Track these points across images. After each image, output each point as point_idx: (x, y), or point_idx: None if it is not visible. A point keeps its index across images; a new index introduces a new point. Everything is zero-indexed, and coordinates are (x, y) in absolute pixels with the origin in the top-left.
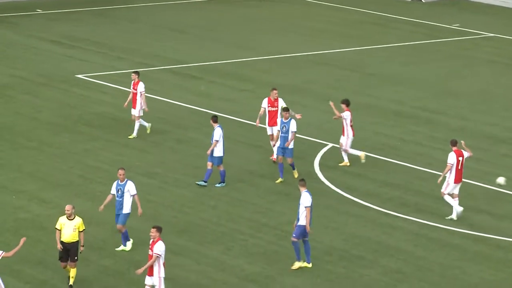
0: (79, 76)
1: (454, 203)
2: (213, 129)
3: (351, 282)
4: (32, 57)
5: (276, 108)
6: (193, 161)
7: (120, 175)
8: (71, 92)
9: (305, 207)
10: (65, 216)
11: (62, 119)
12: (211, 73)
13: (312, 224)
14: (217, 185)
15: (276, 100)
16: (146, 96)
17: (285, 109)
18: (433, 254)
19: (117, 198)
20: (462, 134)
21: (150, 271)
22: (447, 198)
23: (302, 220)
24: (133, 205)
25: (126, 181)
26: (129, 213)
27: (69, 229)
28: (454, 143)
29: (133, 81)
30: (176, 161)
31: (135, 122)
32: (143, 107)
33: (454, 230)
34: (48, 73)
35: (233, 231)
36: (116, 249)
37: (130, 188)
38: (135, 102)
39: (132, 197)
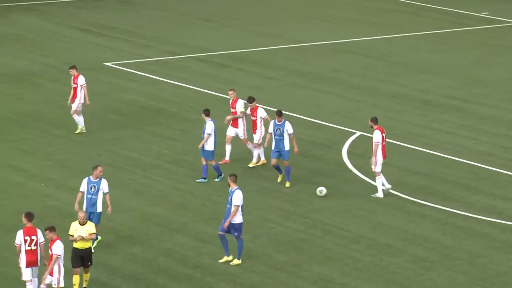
0: (107, 64)
1: (384, 182)
2: (204, 123)
3: (379, 270)
4: (60, 45)
5: (235, 109)
6: (221, 149)
7: (100, 172)
8: (99, 80)
9: (235, 205)
10: (77, 222)
11: (90, 107)
12: (238, 61)
13: (339, 212)
14: (216, 179)
15: (235, 101)
16: (86, 89)
17: (279, 113)
18: (461, 242)
19: (88, 196)
20: (491, 122)
21: (50, 271)
22: (381, 178)
23: (236, 218)
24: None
25: (101, 178)
26: (101, 212)
27: (82, 234)
28: (375, 120)
29: (72, 76)
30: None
31: (75, 116)
32: (82, 102)
33: (482, 219)
34: (76, 61)
35: (261, 220)
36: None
37: (104, 186)
38: (75, 97)
39: (104, 195)
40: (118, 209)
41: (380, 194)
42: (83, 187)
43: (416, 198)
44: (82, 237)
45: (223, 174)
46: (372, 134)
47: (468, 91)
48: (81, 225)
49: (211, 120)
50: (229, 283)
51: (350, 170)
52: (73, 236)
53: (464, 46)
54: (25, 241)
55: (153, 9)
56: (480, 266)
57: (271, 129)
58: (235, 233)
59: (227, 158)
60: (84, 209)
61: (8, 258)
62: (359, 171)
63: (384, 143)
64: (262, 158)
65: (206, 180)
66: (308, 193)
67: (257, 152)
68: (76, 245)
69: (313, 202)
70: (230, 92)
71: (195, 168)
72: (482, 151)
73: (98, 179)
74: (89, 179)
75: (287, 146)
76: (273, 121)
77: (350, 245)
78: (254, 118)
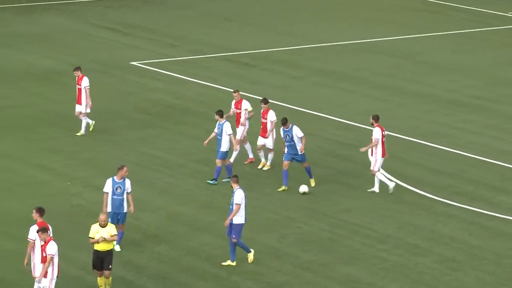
0: (134, 63)
1: (386, 178)
2: (217, 123)
3: (406, 270)
4: (86, 44)
5: (240, 110)
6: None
7: (125, 172)
8: (125, 79)
9: (236, 203)
10: (97, 224)
11: (116, 106)
12: (262, 60)
13: (366, 212)
14: (224, 180)
15: (240, 102)
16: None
17: (284, 121)
18: (487, 243)
19: (114, 197)
20: None
21: (45, 272)
22: (380, 175)
23: (237, 219)
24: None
25: (125, 178)
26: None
27: (104, 236)
28: (376, 118)
29: (77, 77)
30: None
31: (82, 119)
32: (90, 102)
33: (509, 219)
34: (103, 60)
35: (288, 219)
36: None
37: (128, 185)
38: (80, 98)
39: (128, 195)
40: (144, 208)
41: (376, 188)
42: (108, 188)
43: (443, 198)
44: (104, 238)
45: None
46: (372, 131)
47: (493, 91)
48: (102, 227)
49: (226, 121)
50: (255, 282)
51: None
52: (93, 238)
53: (488, 46)
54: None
55: (179, 8)
56: (506, 266)
57: (282, 135)
58: (233, 235)
59: (251, 156)
60: (109, 210)
61: None
62: (385, 170)
63: (383, 141)
64: (268, 163)
65: (216, 182)
66: (335, 193)
67: (271, 156)
68: (98, 247)
69: (340, 202)
70: (235, 94)
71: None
72: (508, 151)
73: (123, 179)
74: (113, 180)
75: (300, 150)
76: (281, 128)
77: (377, 245)
78: (264, 121)
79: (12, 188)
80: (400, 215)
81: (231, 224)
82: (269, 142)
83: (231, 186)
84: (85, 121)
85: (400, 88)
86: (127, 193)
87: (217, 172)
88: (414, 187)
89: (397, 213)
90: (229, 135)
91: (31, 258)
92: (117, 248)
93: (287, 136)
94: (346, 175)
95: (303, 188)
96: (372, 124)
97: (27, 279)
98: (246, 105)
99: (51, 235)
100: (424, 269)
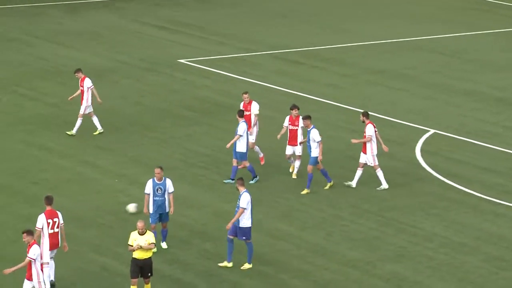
0: (182, 61)
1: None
2: (237, 123)
3: (452, 269)
4: (136, 42)
5: (249, 113)
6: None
7: (157, 173)
8: (173, 77)
9: (241, 207)
10: (136, 232)
11: (164, 103)
12: (312, 58)
13: (413, 210)
14: (251, 181)
15: (250, 103)
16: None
17: (306, 117)
18: None
19: (156, 198)
20: None
21: (28, 276)
22: (380, 173)
23: (243, 222)
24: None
25: (165, 179)
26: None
27: (141, 244)
28: (367, 115)
29: (79, 79)
30: (278, 147)
31: (92, 119)
32: (89, 104)
33: None
34: (151, 57)
35: (335, 217)
36: (163, 246)
37: (170, 185)
38: (83, 100)
39: (169, 195)
40: (191, 205)
41: (384, 185)
42: (148, 189)
43: (491, 197)
44: (141, 246)
45: (258, 176)
46: (365, 128)
47: None
48: (140, 234)
49: (243, 121)
50: (301, 280)
51: (424, 168)
52: (132, 246)
53: None
54: (48, 224)
55: (228, 6)
56: None
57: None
58: (243, 237)
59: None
60: (151, 211)
61: (85, 253)
62: (432, 169)
63: (376, 137)
64: (295, 171)
65: (233, 181)
66: (382, 191)
67: (298, 163)
68: (135, 255)
69: (387, 200)
70: (245, 96)
71: (268, 165)
72: None
73: (163, 180)
74: (153, 181)
75: (312, 153)
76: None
77: (423, 243)
78: (295, 128)
79: (61, 185)
80: (447, 214)
81: (236, 227)
82: (298, 149)
83: (237, 189)
84: (94, 120)
85: (449, 86)
86: (169, 193)
87: (251, 171)
88: (462, 186)
89: (444, 211)
90: (239, 135)
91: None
92: (164, 245)
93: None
94: (393, 173)
95: (131, 208)
96: (363, 121)
97: (81, 278)
98: (255, 107)
99: (61, 222)
100: (471, 268)
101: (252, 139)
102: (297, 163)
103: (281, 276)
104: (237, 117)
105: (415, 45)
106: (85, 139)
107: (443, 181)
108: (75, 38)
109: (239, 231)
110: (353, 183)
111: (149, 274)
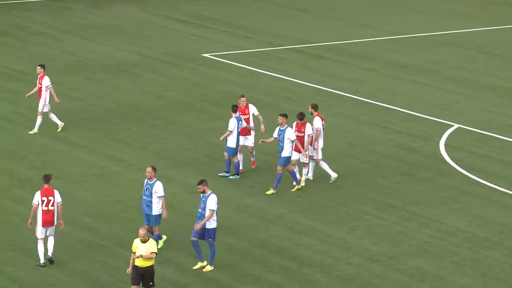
0: (205, 55)
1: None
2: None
3: (476, 264)
4: (159, 36)
5: (248, 116)
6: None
7: (147, 173)
8: (197, 71)
9: (210, 209)
10: (139, 239)
11: (188, 97)
12: (336, 52)
13: (436, 205)
14: (231, 177)
15: (247, 107)
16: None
17: (283, 115)
18: None
19: (144, 197)
20: None
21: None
22: (325, 165)
23: (211, 223)
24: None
25: (155, 180)
26: (160, 214)
27: (141, 253)
28: (316, 107)
29: (38, 75)
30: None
31: (50, 117)
32: (47, 103)
33: None
34: (174, 52)
35: (358, 212)
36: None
37: (158, 189)
38: (40, 97)
39: (159, 198)
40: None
41: (333, 175)
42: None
43: None
44: (141, 255)
45: (239, 176)
46: (312, 121)
47: None
48: (142, 242)
49: (235, 117)
50: (325, 275)
51: (447, 163)
52: (135, 253)
53: None
54: (42, 201)
55: (252, 0)
56: None
57: (275, 133)
58: (209, 239)
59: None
60: (144, 211)
61: (108, 248)
62: (456, 163)
63: (324, 131)
64: (304, 177)
65: (228, 174)
66: (405, 185)
67: (312, 165)
68: (137, 262)
69: (410, 194)
70: (242, 99)
71: None
72: None
73: (154, 181)
74: (147, 180)
75: (283, 153)
76: (277, 127)
77: (446, 238)
78: (301, 134)
79: (86, 179)
80: (471, 208)
81: (203, 229)
82: (303, 157)
83: (203, 191)
84: (53, 117)
85: (474, 81)
86: (158, 196)
87: (235, 168)
88: (485, 180)
89: (467, 206)
90: (229, 131)
91: (30, 222)
92: (164, 238)
93: (280, 135)
94: (416, 167)
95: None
96: (312, 113)
97: (106, 272)
98: (253, 109)
99: (59, 200)
100: (494, 263)
101: (251, 142)
102: (304, 170)
103: (304, 271)
104: (231, 112)
105: (441, 40)
106: (108, 133)
107: (466, 176)
108: (99, 32)
109: (206, 233)
110: (310, 176)
111: (151, 283)
